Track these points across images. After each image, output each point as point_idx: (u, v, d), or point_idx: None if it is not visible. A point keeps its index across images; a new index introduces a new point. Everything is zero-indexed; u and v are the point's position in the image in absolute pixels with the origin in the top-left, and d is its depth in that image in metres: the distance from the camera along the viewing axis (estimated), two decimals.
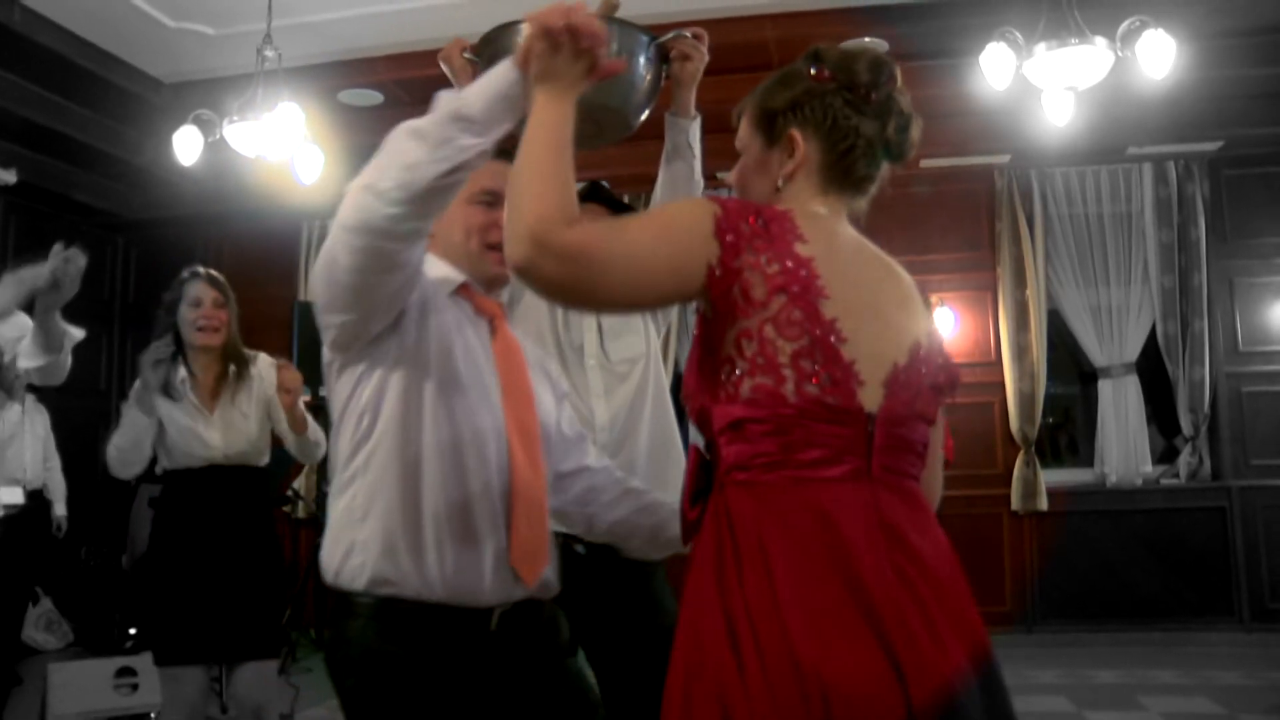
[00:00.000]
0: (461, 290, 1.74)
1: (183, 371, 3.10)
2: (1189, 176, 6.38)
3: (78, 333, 2.85)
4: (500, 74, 1.43)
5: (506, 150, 1.74)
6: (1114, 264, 6.49)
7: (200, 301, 3.13)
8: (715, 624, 1.20)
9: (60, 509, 5.56)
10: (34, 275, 2.58)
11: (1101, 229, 6.50)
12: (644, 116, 1.94)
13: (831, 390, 1.23)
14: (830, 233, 1.35)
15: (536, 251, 1.20)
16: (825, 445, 1.23)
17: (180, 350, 3.13)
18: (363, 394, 1.61)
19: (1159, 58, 3.96)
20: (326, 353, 1.66)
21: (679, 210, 1.34)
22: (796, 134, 1.39)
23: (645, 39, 1.80)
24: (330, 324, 1.59)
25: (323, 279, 1.54)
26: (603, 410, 2.35)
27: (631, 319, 2.42)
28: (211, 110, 4.75)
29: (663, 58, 1.94)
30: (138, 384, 3.02)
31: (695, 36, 1.93)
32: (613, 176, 5.12)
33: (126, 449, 3.02)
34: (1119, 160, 6.42)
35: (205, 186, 6.24)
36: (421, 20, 5.08)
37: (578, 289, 1.23)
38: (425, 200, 1.44)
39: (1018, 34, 4.07)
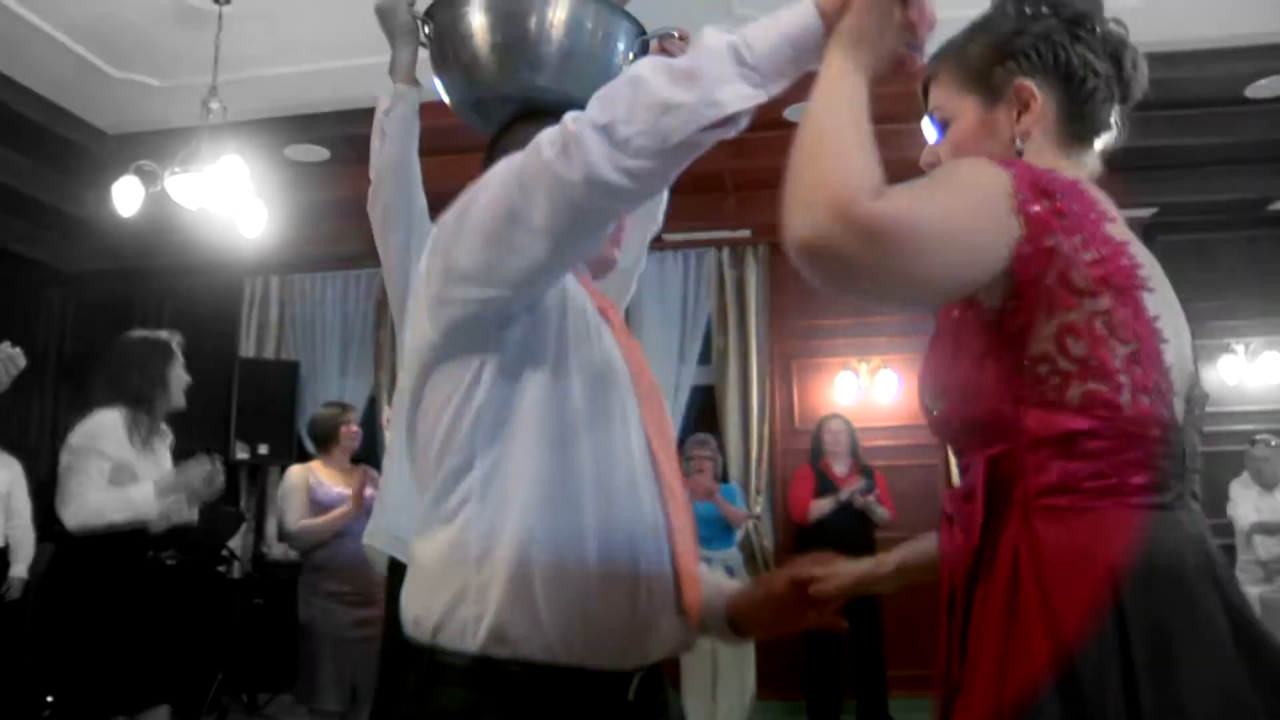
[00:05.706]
0: (580, 280, 1.42)
1: (153, 428, 3.32)
2: None
3: None
4: (798, 16, 1.13)
5: None
6: None
7: (186, 366, 3.43)
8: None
9: (19, 570, 5.05)
10: None
11: None
12: None
13: (1159, 401, 1.05)
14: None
15: (834, 224, 0.94)
16: (1155, 467, 1.05)
17: (144, 408, 3.31)
18: (477, 394, 1.25)
19: None
20: (432, 335, 1.28)
21: (975, 172, 1.06)
22: (1028, 82, 1.18)
23: (634, 29, 1.61)
24: (462, 298, 1.24)
25: (480, 240, 1.21)
26: None
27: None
28: (155, 162, 4.67)
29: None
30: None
31: (681, 38, 1.71)
32: None
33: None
34: None
35: (146, 240, 6.14)
36: (370, 77, 5.00)
37: (876, 272, 0.96)
38: (676, 157, 1.13)
39: None
